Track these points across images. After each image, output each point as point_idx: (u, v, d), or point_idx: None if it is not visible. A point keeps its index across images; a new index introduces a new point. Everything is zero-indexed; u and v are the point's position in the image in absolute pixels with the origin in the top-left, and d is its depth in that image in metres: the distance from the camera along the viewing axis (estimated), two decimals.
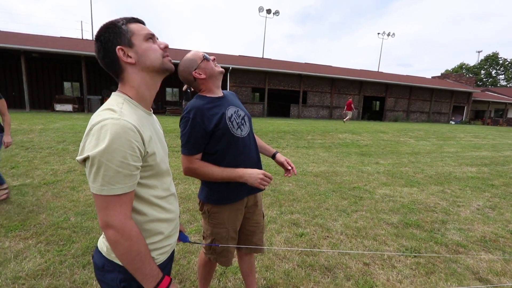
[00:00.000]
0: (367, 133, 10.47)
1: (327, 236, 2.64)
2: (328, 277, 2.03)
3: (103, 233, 0.81)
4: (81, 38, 26.48)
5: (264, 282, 1.95)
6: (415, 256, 2.33)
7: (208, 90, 1.34)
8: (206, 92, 1.34)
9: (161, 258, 0.88)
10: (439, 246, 2.52)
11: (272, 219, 2.94)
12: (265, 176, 1.26)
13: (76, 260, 2.08)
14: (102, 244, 0.84)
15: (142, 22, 0.84)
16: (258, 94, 24.83)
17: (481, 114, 30.90)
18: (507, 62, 49.82)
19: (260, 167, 1.48)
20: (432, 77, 31.28)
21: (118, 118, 0.69)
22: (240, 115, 1.38)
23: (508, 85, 48.21)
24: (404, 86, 22.85)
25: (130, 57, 0.79)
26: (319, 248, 2.41)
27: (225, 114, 1.30)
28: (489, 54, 50.97)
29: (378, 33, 38.20)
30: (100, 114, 0.71)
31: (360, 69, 26.98)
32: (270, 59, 24.46)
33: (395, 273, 2.10)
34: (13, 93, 17.10)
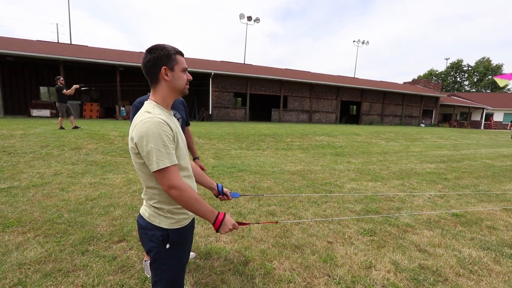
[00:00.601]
0: (342, 135, 11.13)
1: (299, 223, 3.03)
2: (297, 253, 2.41)
3: (144, 202, 1.20)
4: (57, 41, 25.67)
5: (243, 258, 2.29)
6: (370, 235, 2.77)
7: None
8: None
9: (184, 222, 1.20)
10: (391, 227, 2.98)
11: (251, 211, 3.29)
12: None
13: (75, 248, 2.31)
14: (144, 211, 1.19)
15: (183, 55, 1.19)
16: (240, 99, 25.24)
17: (448, 117, 33.16)
18: (470, 68, 53.78)
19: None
20: (403, 82, 33.20)
21: (153, 116, 1.03)
22: (176, 116, 1.85)
23: (471, 90, 51.96)
24: (378, 92, 24.17)
25: (168, 76, 1.12)
26: (291, 233, 2.79)
27: None
28: (454, 61, 54.79)
29: (354, 41, 40.03)
30: (140, 116, 1.06)
31: (338, 75, 28.17)
32: (252, 64, 25.00)
33: (352, 248, 2.52)
34: None
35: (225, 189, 1.55)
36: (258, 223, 1.70)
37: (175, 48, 1.15)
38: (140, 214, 1.22)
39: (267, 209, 3.36)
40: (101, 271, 2.03)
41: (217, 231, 1.14)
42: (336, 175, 5.19)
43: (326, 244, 2.58)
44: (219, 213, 1.14)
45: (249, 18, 30.84)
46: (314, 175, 5.14)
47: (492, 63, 51.55)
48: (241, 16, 30.44)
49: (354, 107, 29.53)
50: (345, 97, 22.89)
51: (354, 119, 25.49)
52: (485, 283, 2.07)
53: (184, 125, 2.11)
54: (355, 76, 36.48)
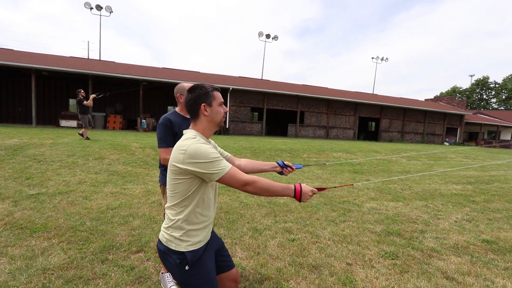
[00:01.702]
0: (361, 152, 10.89)
1: (316, 241, 2.95)
2: (315, 274, 2.34)
3: (163, 226, 1.27)
4: (87, 57, 27.54)
5: (259, 276, 2.25)
6: (392, 259, 2.64)
7: (181, 110, 2.04)
8: (180, 111, 2.04)
9: (199, 244, 1.25)
10: (415, 251, 2.83)
11: (267, 227, 3.25)
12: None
13: (96, 257, 2.38)
14: (162, 236, 1.25)
15: (220, 91, 1.32)
16: (257, 113, 25.54)
17: (474, 136, 31.63)
18: (497, 86, 51.57)
19: None
20: (425, 99, 32.31)
21: (198, 139, 1.20)
22: None
23: (499, 108, 49.57)
24: (398, 108, 23.64)
25: (207, 111, 1.26)
26: (308, 252, 2.72)
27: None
28: (480, 78, 52.86)
29: (372, 58, 39.86)
30: (186, 141, 1.18)
31: (355, 91, 27.96)
32: (269, 80, 25.41)
33: (373, 271, 2.41)
34: (20, 108, 17.62)
35: (286, 162, 1.67)
36: (335, 187, 1.86)
37: (212, 85, 1.29)
38: (159, 239, 1.29)
39: (283, 226, 3.31)
40: (119, 280, 2.06)
41: (300, 201, 1.26)
42: (355, 194, 5.04)
43: (345, 265, 2.49)
44: (295, 185, 1.25)
45: (268, 36, 31.71)
46: (331, 192, 5.03)
47: None
48: (260, 34, 31.37)
49: (373, 123, 28.96)
50: (363, 113, 22.56)
51: (372, 136, 24.92)
52: None
53: None
54: (374, 93, 36.00)
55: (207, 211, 1.27)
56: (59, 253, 2.40)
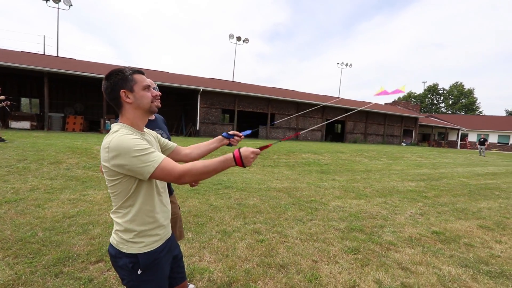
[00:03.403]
0: (328, 153, 11.34)
1: (284, 241, 3.00)
2: (282, 273, 2.37)
3: (113, 229, 1.14)
4: (43, 53, 25.24)
5: (227, 279, 2.22)
6: (354, 253, 2.78)
7: None
8: None
9: (155, 244, 1.14)
10: (374, 245, 3.01)
11: (237, 229, 3.24)
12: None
13: (48, 270, 2.17)
14: (113, 238, 1.14)
15: (143, 73, 1.18)
16: (228, 115, 25.39)
17: (427, 137, 34.60)
18: (445, 92, 57.10)
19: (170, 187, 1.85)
20: (385, 103, 34.66)
21: (120, 134, 1.03)
22: (163, 137, 1.78)
23: (447, 112, 54.88)
24: (361, 111, 25.03)
25: (129, 98, 1.11)
26: (276, 251, 2.75)
27: None
28: (431, 85, 58.09)
29: (338, 63, 41.82)
30: (107, 137, 1.05)
31: (323, 95, 29.08)
32: (240, 82, 25.43)
33: (337, 267, 2.51)
34: None
35: (231, 132, 1.49)
36: (280, 141, 1.58)
37: (132, 68, 1.14)
38: (110, 242, 1.17)
39: (253, 227, 3.31)
40: None
41: (243, 166, 1.13)
42: (321, 193, 5.23)
43: (311, 263, 2.56)
44: (233, 152, 1.13)
45: (238, 38, 31.75)
46: (300, 192, 5.16)
47: (464, 87, 55.03)
48: (231, 36, 31.31)
49: (339, 125, 30.32)
50: (330, 116, 23.53)
51: (339, 137, 26.09)
52: None
53: None
54: (340, 96, 37.77)
55: (159, 207, 1.16)
56: (3, 268, 2.15)
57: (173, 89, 17.62)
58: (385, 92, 3.02)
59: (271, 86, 27.18)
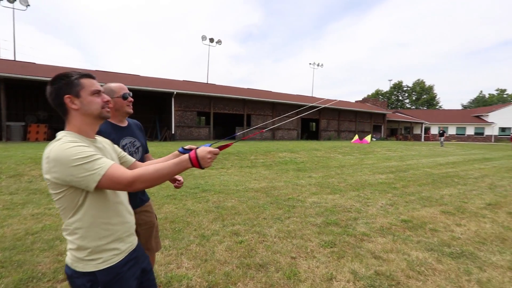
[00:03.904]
0: (304, 151, 11.59)
1: (263, 240, 3.01)
2: (262, 272, 2.38)
3: (68, 248, 1.03)
4: None
5: (206, 284, 2.18)
6: (331, 247, 2.86)
7: (112, 117, 1.62)
8: (110, 119, 1.62)
9: (115, 258, 1.04)
10: (349, 237, 3.12)
11: (215, 232, 3.20)
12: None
13: None
14: (68, 258, 1.03)
15: (93, 77, 1.08)
16: (204, 117, 25.04)
17: (395, 132, 36.64)
18: (409, 88, 60.90)
19: (137, 196, 1.73)
20: (355, 101, 36.17)
21: (61, 142, 0.93)
22: (135, 145, 1.68)
23: (411, 108, 58.51)
24: (334, 109, 25.91)
25: (75, 104, 1.02)
26: (255, 252, 2.76)
27: (120, 142, 1.59)
28: (396, 82, 61.61)
29: (310, 63, 42.97)
30: (50, 145, 0.96)
31: (297, 94, 29.68)
32: (215, 84, 25.20)
33: (314, 261, 2.57)
34: None
35: (187, 146, 1.32)
36: (241, 139, 1.43)
37: (79, 72, 1.06)
38: (66, 264, 1.06)
39: (231, 229, 3.29)
40: None
41: (201, 167, 1.03)
42: (298, 190, 5.33)
43: (290, 260, 2.59)
44: (189, 153, 1.03)
45: (211, 40, 31.45)
46: (277, 191, 5.22)
47: (425, 84, 59.09)
48: (203, 37, 30.93)
49: (314, 124, 31.13)
50: (305, 115, 24.06)
51: (314, 135, 26.77)
52: (431, 282, 2.25)
53: (144, 153, 1.81)
54: (313, 95, 38.84)
55: (116, 218, 1.06)
56: None
57: (145, 93, 17.01)
58: (357, 140, 3.18)
59: (246, 87, 27.25)
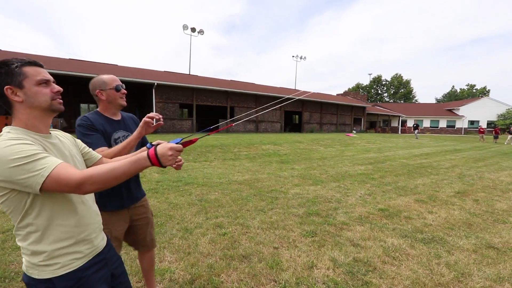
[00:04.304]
0: (287, 143, 11.71)
1: (246, 232, 3.04)
2: (245, 263, 2.41)
3: (22, 254, 0.94)
4: None
5: (189, 277, 2.18)
6: (312, 236, 2.94)
7: (104, 110, 1.59)
8: (103, 111, 1.59)
9: (76, 263, 0.96)
10: (330, 226, 3.22)
11: (198, 225, 3.18)
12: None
13: None
14: (24, 265, 0.95)
15: (40, 65, 0.95)
16: (186, 110, 24.55)
17: (374, 124, 37.86)
18: (388, 83, 62.89)
19: (132, 183, 1.66)
20: (337, 94, 36.87)
21: (3, 138, 0.84)
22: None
23: (389, 101, 60.58)
24: (316, 102, 26.28)
25: (18, 96, 0.90)
26: (238, 243, 2.78)
27: (112, 135, 1.54)
28: (375, 76, 63.33)
29: (293, 56, 43.04)
30: None
31: (280, 87, 29.77)
32: (197, 75, 24.68)
33: (296, 251, 2.63)
34: None
35: (155, 142, 1.09)
36: (208, 134, 1.32)
37: (22, 59, 0.92)
38: (22, 270, 0.98)
39: (215, 222, 3.29)
40: None
41: (162, 166, 0.93)
42: (281, 182, 5.40)
43: (273, 250, 2.64)
44: (147, 151, 0.92)
45: (193, 30, 30.57)
46: (261, 183, 5.26)
47: (403, 78, 61.23)
48: (185, 27, 29.98)
49: (297, 116, 31.46)
50: (288, 108, 24.24)
51: (297, 128, 27.09)
52: (404, 266, 2.38)
53: (140, 146, 1.63)
54: (296, 88, 39.08)
55: (77, 219, 0.96)
56: None
57: (124, 84, 16.35)
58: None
59: (230, 79, 26.91)
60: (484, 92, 57.71)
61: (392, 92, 62.67)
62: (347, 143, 13.73)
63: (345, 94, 36.61)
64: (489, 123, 38.84)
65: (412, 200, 4.36)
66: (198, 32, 31.06)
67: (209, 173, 6.07)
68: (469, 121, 40.21)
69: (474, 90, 60.75)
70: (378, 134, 28.60)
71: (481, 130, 23.24)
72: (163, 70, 22.56)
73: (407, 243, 2.83)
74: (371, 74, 67.11)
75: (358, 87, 63.35)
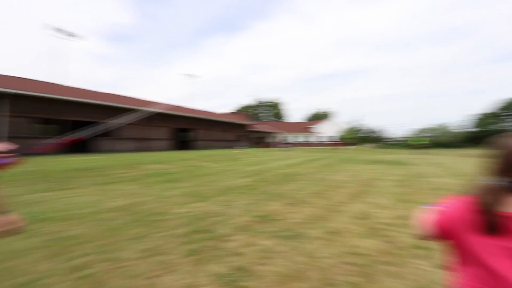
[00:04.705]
0: (176, 161, 11.20)
1: (118, 267, 2.60)
2: None
3: None
4: None
5: None
6: (194, 255, 2.85)
7: None
8: None
9: None
10: (213, 241, 3.22)
11: (50, 273, 2.46)
12: None
13: None
14: None
15: None
16: (55, 126, 19.44)
17: (259, 140, 42.19)
18: (268, 103, 72.32)
19: None
20: (226, 113, 38.97)
21: None
22: None
23: (271, 120, 69.54)
24: (207, 120, 26.78)
25: None
26: (105, 283, 2.33)
27: None
28: (259, 98, 71.67)
29: (185, 74, 42.59)
30: None
31: (170, 104, 28.59)
32: (71, 86, 20.19)
33: (177, 274, 2.46)
34: None
35: None
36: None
37: None
38: None
39: (75, 263, 2.64)
40: None
41: None
42: (165, 203, 5.03)
43: (152, 279, 2.36)
44: None
45: (61, 31, 25.08)
46: (141, 207, 4.72)
47: (279, 101, 72.11)
48: (47, 27, 24.20)
49: (188, 133, 30.90)
50: (179, 125, 23.49)
51: (188, 145, 26.52)
52: (275, 264, 2.65)
53: None
54: (188, 106, 38.63)
55: None
56: None
57: None
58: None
59: (115, 93, 23.49)
60: (332, 114, 75.71)
61: (271, 113, 72.36)
62: (236, 158, 14.58)
63: (234, 113, 39.28)
64: (336, 137, 51.06)
65: (283, 204, 5.03)
66: (70, 36, 25.72)
67: (76, 202, 4.93)
68: (324, 136, 51.50)
69: (326, 112, 78.66)
70: (262, 148, 31.98)
71: (331, 143, 30.21)
72: (21, 76, 17.12)
73: (277, 243, 3.19)
74: (255, 96, 75.42)
75: (244, 107, 69.46)
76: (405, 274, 2.51)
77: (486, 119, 48.38)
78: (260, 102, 71.97)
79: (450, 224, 0.88)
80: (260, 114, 72.46)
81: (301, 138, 49.65)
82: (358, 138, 50.61)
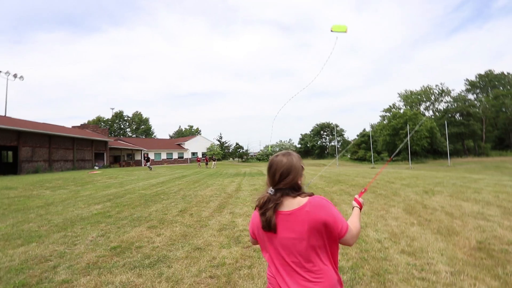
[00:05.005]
0: None
1: None
2: None
3: None
4: None
5: None
6: None
7: None
8: None
9: None
10: None
11: None
12: None
13: None
14: None
15: None
16: None
17: (118, 159, 36.29)
18: (130, 118, 64.45)
19: None
20: (72, 126, 31.10)
21: None
22: None
23: (132, 136, 61.96)
24: (42, 135, 20.24)
25: None
26: None
27: None
28: (118, 112, 62.34)
29: (0, 72, 30.51)
30: None
31: None
32: None
33: None
34: None
35: None
36: None
37: None
38: None
39: None
40: None
41: None
42: None
43: None
44: None
45: None
46: None
47: (143, 115, 65.90)
48: None
49: (10, 153, 22.11)
50: None
51: (10, 168, 18.91)
52: None
53: None
54: (7, 115, 27.57)
55: None
56: None
57: None
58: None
59: None
60: (198, 131, 77.55)
61: (134, 127, 64.81)
62: (85, 181, 11.82)
63: (84, 127, 31.91)
64: (203, 154, 52.61)
65: (145, 228, 4.60)
66: None
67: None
68: (191, 152, 51.68)
69: (192, 130, 79.66)
70: (122, 168, 27.72)
71: (198, 159, 30.82)
72: None
73: (135, 274, 2.86)
74: (113, 108, 64.82)
75: (99, 120, 58.36)
76: (259, 273, 2.94)
77: (308, 137, 66.30)
78: (122, 116, 62.99)
79: (252, 227, 1.22)
80: (123, 129, 63.35)
81: (169, 155, 47.41)
82: (223, 153, 54.72)
